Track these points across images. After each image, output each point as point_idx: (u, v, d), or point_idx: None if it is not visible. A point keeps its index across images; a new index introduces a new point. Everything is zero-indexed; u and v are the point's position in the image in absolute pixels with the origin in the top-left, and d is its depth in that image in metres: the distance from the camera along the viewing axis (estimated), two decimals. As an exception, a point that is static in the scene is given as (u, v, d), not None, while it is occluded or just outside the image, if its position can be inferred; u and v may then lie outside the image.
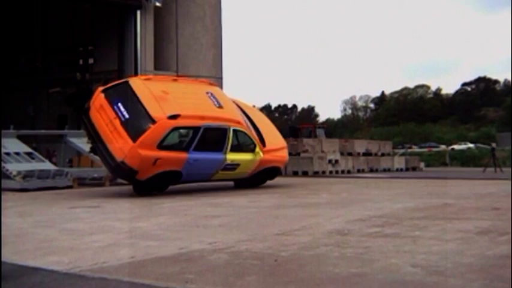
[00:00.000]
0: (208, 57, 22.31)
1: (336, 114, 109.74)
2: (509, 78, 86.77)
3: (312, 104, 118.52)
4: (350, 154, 25.71)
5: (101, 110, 12.96)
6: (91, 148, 14.09)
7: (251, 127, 14.85)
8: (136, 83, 13.56)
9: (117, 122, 12.57)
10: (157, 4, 20.64)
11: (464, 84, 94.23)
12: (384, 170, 26.54)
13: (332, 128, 70.45)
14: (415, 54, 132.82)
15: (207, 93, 14.43)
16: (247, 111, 15.74)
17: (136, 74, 20.03)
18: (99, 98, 13.22)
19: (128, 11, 20.36)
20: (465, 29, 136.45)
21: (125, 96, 13.06)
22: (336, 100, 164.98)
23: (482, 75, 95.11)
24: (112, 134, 12.60)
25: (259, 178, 15.01)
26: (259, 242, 6.47)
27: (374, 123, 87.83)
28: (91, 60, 21.74)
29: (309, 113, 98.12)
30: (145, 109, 12.68)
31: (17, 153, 16.03)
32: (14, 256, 5.72)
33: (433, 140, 62.80)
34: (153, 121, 12.47)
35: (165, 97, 13.06)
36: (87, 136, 14.04)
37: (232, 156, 13.71)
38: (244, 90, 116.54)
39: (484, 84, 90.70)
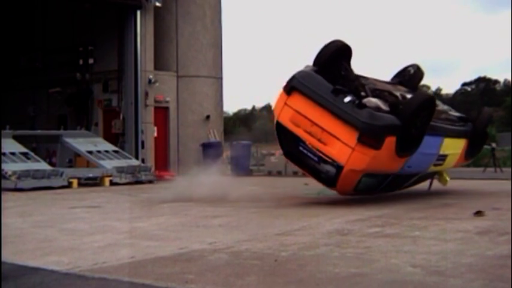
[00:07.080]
0: (208, 57, 22.28)
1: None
2: (509, 78, 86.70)
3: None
4: (350, 154, 25.63)
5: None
6: None
7: None
8: None
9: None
10: (157, 4, 20.61)
11: (464, 84, 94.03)
12: (384, 170, 26.50)
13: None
14: (415, 54, 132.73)
15: None
16: None
17: (136, 74, 20.02)
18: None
19: (128, 11, 20.32)
20: (465, 29, 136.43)
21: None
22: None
23: (482, 75, 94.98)
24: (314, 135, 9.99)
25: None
26: (259, 242, 6.47)
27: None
28: (91, 60, 21.67)
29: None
30: None
31: (13, 153, 16.05)
32: (14, 256, 5.72)
33: (433, 140, 62.71)
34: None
35: None
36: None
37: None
38: (244, 90, 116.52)
39: (484, 84, 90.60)
